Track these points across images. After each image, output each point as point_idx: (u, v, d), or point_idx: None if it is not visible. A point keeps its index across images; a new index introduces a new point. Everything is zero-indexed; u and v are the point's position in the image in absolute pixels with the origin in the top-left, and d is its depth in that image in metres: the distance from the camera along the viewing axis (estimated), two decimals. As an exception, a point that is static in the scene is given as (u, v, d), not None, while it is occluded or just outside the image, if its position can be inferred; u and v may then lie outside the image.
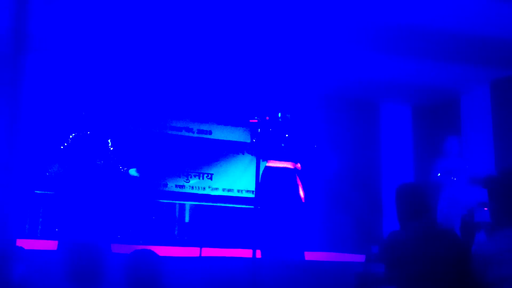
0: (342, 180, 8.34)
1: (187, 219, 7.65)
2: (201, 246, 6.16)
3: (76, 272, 2.93)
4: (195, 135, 7.88)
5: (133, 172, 6.05)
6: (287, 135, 6.16)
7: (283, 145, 6.08)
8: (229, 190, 7.85)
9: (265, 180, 5.99)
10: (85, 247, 3.06)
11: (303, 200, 6.15)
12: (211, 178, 7.78)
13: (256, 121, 4.87)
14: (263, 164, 5.88)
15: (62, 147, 6.00)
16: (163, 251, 6.47)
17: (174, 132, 7.78)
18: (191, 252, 6.37)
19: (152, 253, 3.00)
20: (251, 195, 7.71)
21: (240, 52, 6.95)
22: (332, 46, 6.79)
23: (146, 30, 6.33)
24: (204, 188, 7.74)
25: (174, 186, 7.60)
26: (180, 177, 7.67)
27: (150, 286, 2.88)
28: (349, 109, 8.58)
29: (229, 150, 7.97)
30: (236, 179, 7.90)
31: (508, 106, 7.46)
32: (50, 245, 6.42)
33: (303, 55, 7.04)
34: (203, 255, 5.83)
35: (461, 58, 7.04)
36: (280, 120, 5.98)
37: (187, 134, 7.82)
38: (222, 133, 7.98)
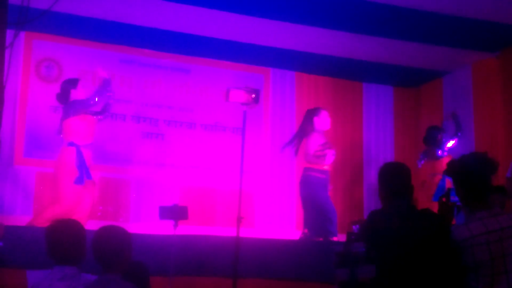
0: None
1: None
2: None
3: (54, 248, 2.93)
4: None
5: None
6: None
7: None
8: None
9: None
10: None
11: None
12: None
13: None
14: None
15: None
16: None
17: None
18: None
19: (120, 228, 3.03)
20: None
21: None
22: (316, 25, 6.76)
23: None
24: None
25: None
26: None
27: (119, 261, 2.90)
28: (334, 87, 8.56)
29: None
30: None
31: (488, 87, 7.51)
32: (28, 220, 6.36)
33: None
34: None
35: (445, 40, 7.06)
36: None
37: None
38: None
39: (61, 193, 5.49)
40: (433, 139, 7.07)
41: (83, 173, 5.49)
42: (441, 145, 7.04)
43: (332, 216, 6.19)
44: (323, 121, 6.44)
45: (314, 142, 6.31)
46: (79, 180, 5.48)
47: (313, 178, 6.26)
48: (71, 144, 5.58)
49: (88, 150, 5.68)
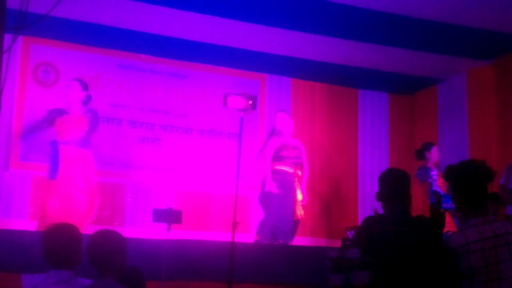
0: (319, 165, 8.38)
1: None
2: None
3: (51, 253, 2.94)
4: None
5: None
6: None
7: None
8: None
9: None
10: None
11: None
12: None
13: None
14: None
15: None
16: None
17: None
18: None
19: (115, 233, 3.04)
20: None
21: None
22: (312, 32, 6.79)
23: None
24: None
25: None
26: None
27: (113, 266, 2.92)
28: (330, 94, 8.59)
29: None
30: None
31: (483, 95, 7.55)
32: (26, 225, 6.37)
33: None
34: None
35: (440, 48, 7.09)
36: None
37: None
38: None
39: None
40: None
41: (51, 169, 5.73)
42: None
43: (268, 220, 6.18)
44: (280, 123, 6.46)
45: (272, 144, 6.35)
46: (49, 175, 5.71)
47: (273, 179, 6.26)
48: (51, 143, 5.85)
49: (69, 146, 5.77)
